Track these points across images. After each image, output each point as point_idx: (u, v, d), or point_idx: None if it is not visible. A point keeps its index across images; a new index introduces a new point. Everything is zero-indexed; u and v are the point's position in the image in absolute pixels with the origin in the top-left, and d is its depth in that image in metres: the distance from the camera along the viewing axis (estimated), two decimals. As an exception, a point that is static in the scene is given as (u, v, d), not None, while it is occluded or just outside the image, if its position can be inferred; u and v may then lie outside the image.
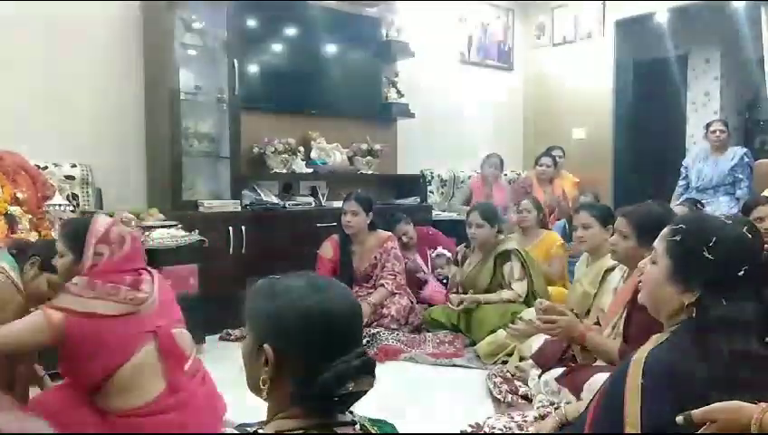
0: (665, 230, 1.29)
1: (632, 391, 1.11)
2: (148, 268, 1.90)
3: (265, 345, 0.92)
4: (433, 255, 4.12)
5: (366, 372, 0.92)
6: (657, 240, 1.30)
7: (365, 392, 0.93)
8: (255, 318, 0.96)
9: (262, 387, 0.93)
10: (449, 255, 4.02)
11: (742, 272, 1.16)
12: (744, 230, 1.24)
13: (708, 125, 4.87)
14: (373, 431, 0.97)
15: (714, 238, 1.18)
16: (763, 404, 1.02)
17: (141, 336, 1.71)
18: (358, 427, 0.95)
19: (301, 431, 0.91)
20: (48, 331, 1.63)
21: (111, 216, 3.29)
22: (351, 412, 0.97)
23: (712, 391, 1.06)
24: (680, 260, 1.22)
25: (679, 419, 1.02)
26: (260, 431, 0.95)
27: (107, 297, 1.69)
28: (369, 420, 0.99)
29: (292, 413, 0.92)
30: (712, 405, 1.02)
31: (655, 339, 1.22)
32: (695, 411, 1.02)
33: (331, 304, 0.94)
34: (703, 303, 1.17)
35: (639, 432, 1.09)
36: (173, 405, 1.70)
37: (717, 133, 4.72)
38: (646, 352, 1.16)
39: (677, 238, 1.24)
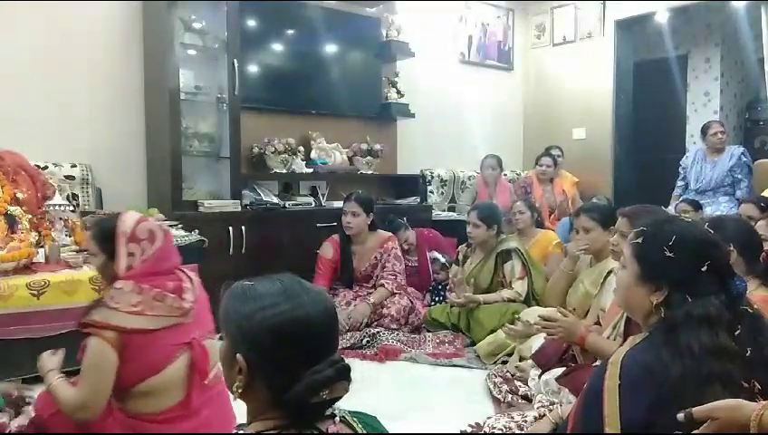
0: (630, 234, 1.33)
1: (610, 392, 1.14)
2: (185, 270, 1.84)
3: (238, 356, 0.93)
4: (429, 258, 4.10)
5: (340, 379, 0.92)
6: (624, 245, 1.34)
7: (340, 397, 0.94)
8: (228, 326, 0.96)
9: (236, 392, 0.94)
10: (443, 259, 4.01)
11: (705, 268, 1.18)
12: (707, 227, 1.29)
13: (707, 127, 4.80)
14: (353, 424, 0.97)
15: (674, 238, 1.21)
16: (763, 402, 1.02)
17: (177, 348, 1.68)
18: (338, 419, 0.96)
19: (279, 430, 0.92)
20: (112, 349, 1.59)
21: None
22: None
23: (686, 388, 1.08)
24: (645, 262, 1.25)
25: (680, 416, 1.03)
26: (241, 432, 0.95)
27: (153, 305, 1.65)
28: (350, 412, 1.00)
29: (271, 416, 0.93)
30: (713, 403, 1.03)
31: (631, 340, 1.25)
32: (695, 409, 1.03)
33: (303, 313, 0.93)
34: (670, 301, 1.20)
35: (619, 432, 1.11)
36: (183, 416, 1.68)
37: (719, 135, 4.68)
38: (622, 353, 1.19)
39: (640, 241, 1.28)
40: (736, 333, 1.15)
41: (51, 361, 1.76)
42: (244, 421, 0.99)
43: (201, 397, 1.73)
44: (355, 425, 0.97)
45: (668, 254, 1.21)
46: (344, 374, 0.93)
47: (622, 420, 1.11)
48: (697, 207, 3.97)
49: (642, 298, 1.25)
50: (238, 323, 0.94)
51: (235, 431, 0.90)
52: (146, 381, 1.63)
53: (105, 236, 1.74)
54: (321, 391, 0.90)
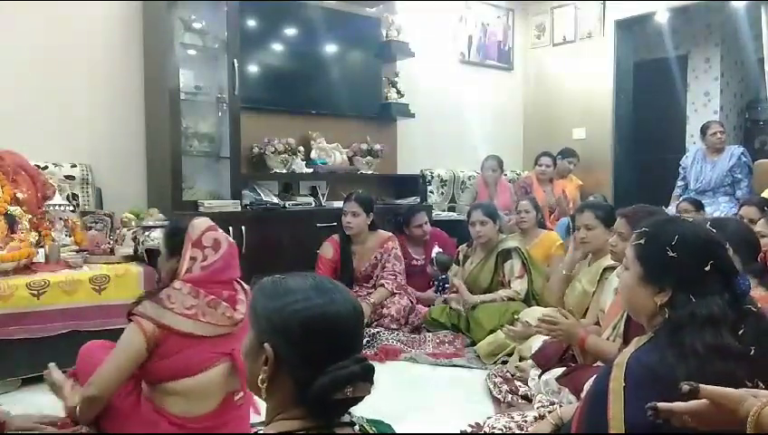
0: (633, 236, 1.32)
1: (615, 394, 1.14)
2: (242, 283, 1.87)
3: (266, 345, 0.92)
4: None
5: (364, 378, 0.92)
6: (627, 246, 1.33)
7: (362, 398, 0.93)
8: (257, 317, 0.97)
9: (260, 386, 0.94)
10: (433, 254, 3.99)
11: (708, 267, 1.17)
12: (708, 227, 1.27)
13: (706, 127, 4.79)
14: (371, 432, 0.97)
15: (676, 237, 1.21)
16: (763, 399, 1.00)
17: (217, 356, 1.70)
18: (357, 428, 0.96)
19: (301, 432, 0.91)
20: (144, 341, 1.64)
21: (110, 216, 3.32)
22: (350, 413, 0.97)
23: None
24: (647, 262, 1.25)
25: (685, 387, 0.99)
26: (260, 432, 0.95)
27: (206, 311, 1.68)
28: (368, 420, 0.99)
29: (292, 414, 0.93)
30: (723, 388, 1.00)
31: (636, 341, 1.24)
32: (703, 387, 0.99)
33: (334, 310, 0.93)
34: (674, 302, 1.19)
35: (623, 434, 1.10)
36: (209, 427, 1.69)
37: (718, 135, 4.68)
38: (627, 355, 1.18)
39: (642, 242, 1.27)
40: (740, 332, 1.14)
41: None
42: (257, 420, 0.98)
43: (230, 413, 1.73)
44: (372, 432, 0.97)
45: (671, 254, 1.20)
46: (369, 373, 0.93)
47: (627, 422, 1.10)
48: (699, 206, 3.96)
49: (646, 299, 1.24)
50: (268, 316, 0.94)
51: (254, 431, 0.90)
52: (179, 381, 1.65)
53: (172, 235, 1.82)
54: (344, 386, 0.89)
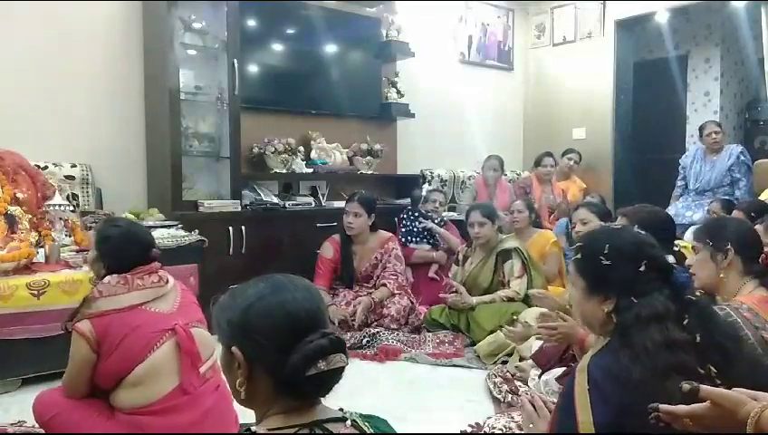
0: (573, 252, 1.38)
1: (581, 397, 1.18)
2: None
3: (233, 348, 0.95)
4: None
5: (335, 350, 0.93)
6: (569, 264, 1.39)
7: (340, 372, 0.94)
8: (221, 327, 1.00)
9: (239, 389, 0.96)
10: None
11: (642, 268, 1.22)
12: (636, 229, 1.33)
13: (702, 128, 4.79)
14: (364, 427, 0.97)
15: (606, 245, 1.26)
16: (763, 401, 1.00)
17: (159, 335, 1.71)
18: (349, 423, 0.96)
19: (293, 430, 0.92)
20: (86, 344, 1.67)
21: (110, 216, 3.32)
22: (342, 409, 0.98)
23: (648, 385, 1.10)
24: (587, 275, 1.30)
25: (686, 386, 1.00)
26: (251, 429, 0.95)
27: (136, 285, 1.74)
28: (361, 416, 1.00)
29: (278, 410, 0.94)
30: (724, 390, 1.00)
31: (593, 347, 1.30)
32: (703, 387, 0.99)
33: (289, 297, 0.97)
34: (619, 306, 1.23)
35: (593, 433, 1.14)
36: (181, 405, 1.69)
37: (713, 135, 4.66)
38: (587, 360, 1.23)
39: (579, 256, 1.33)
40: (685, 322, 1.17)
41: None
42: (246, 421, 0.99)
43: (198, 384, 1.74)
44: (366, 428, 0.97)
45: (606, 262, 1.25)
46: (338, 346, 0.94)
47: (595, 425, 1.14)
48: (731, 206, 3.68)
49: (595, 310, 1.28)
50: (228, 319, 0.97)
51: (245, 430, 0.89)
52: (133, 372, 1.67)
53: (104, 241, 1.86)
54: (316, 360, 0.91)
